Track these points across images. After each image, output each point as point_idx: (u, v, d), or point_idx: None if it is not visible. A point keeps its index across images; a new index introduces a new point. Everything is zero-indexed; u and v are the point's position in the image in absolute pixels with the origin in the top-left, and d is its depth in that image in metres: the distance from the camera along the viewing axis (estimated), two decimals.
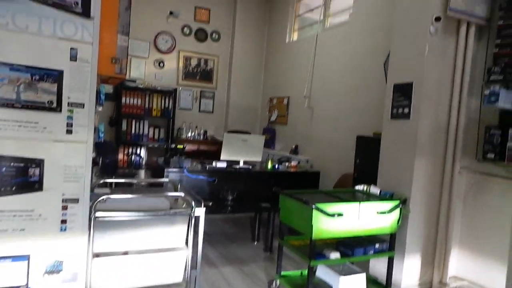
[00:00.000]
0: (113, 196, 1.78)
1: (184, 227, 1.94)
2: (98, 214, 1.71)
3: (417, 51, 2.58)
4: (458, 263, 2.71)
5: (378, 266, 2.77)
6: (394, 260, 2.58)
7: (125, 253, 1.81)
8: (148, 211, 1.82)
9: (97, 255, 1.75)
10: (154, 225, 1.88)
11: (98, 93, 2.01)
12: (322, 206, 2.29)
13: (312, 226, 2.28)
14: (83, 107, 1.64)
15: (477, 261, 2.61)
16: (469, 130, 2.62)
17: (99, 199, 1.72)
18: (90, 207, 1.68)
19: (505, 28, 2.31)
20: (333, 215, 2.31)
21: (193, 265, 2.00)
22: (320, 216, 2.29)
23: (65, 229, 1.63)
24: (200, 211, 1.93)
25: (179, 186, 2.30)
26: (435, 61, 2.56)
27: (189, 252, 1.92)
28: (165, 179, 2.51)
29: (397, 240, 2.57)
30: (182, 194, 1.88)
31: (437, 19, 2.44)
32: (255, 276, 3.04)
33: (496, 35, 2.36)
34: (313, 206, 2.27)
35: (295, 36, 6.10)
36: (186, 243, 1.96)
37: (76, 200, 1.65)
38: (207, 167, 3.95)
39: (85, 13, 1.61)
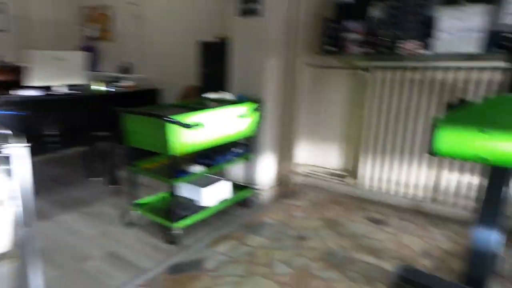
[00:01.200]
0: None
1: None
2: None
3: None
4: (303, 152, 2.96)
5: (235, 170, 2.76)
6: (253, 161, 2.59)
7: None
8: None
9: None
10: None
11: None
12: (177, 117, 1.98)
13: (168, 141, 1.97)
14: None
15: (318, 147, 2.90)
16: (313, 26, 2.65)
17: None
18: None
19: None
20: (190, 126, 2.05)
21: (26, 222, 1.41)
22: (177, 129, 1.99)
23: None
24: (21, 148, 1.29)
25: None
26: None
27: (16, 207, 1.30)
28: None
29: (255, 141, 2.56)
30: None
31: None
32: (103, 214, 2.60)
33: None
34: (167, 119, 1.94)
35: None
36: (10, 195, 1.31)
37: None
38: (13, 99, 2.96)
39: None
